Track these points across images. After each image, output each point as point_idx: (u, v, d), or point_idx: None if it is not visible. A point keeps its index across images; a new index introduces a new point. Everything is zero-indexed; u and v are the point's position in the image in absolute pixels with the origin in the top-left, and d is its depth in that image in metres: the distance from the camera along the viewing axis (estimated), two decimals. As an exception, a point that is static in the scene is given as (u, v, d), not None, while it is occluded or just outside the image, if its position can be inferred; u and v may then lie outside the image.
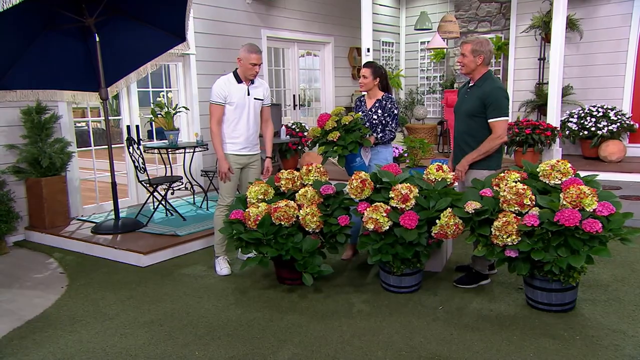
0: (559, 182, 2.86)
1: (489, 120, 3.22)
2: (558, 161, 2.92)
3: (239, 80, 3.64)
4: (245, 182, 3.77)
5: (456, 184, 3.41)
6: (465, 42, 3.32)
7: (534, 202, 2.81)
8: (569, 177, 2.86)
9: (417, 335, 2.73)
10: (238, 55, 3.59)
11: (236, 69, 3.66)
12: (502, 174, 3.05)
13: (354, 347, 2.62)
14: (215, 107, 3.63)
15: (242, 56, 3.56)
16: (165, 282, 3.63)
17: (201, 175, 5.86)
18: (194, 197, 5.70)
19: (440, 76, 9.19)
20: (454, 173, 3.27)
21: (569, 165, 2.90)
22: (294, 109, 7.89)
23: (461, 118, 3.37)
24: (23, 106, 4.60)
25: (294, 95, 7.86)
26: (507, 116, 3.25)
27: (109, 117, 4.83)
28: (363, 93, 3.99)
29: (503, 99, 3.21)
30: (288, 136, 6.51)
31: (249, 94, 3.65)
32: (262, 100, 3.77)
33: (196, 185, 5.69)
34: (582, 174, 2.98)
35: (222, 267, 3.74)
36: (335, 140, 3.57)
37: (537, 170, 2.97)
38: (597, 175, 3.03)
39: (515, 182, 2.91)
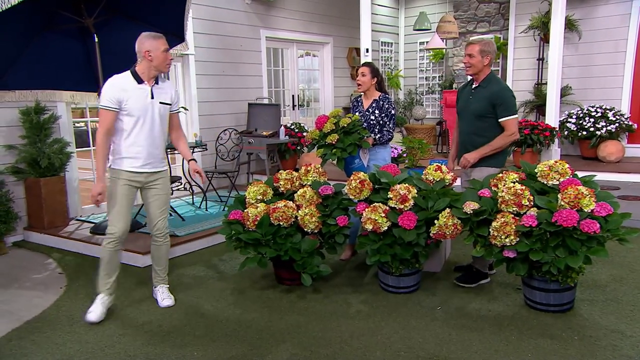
0: (557, 182, 2.87)
1: (500, 120, 3.26)
2: (556, 162, 2.92)
3: (140, 80, 2.93)
4: (150, 203, 3.11)
5: (456, 182, 3.42)
6: (472, 42, 3.33)
7: (532, 203, 2.81)
8: (567, 177, 2.87)
9: (416, 336, 2.73)
10: (143, 48, 2.88)
11: (134, 66, 2.95)
12: (501, 175, 3.06)
13: (352, 347, 2.63)
14: (106, 113, 2.87)
15: (150, 45, 2.88)
16: (164, 282, 3.63)
17: (200, 175, 5.86)
18: (192, 198, 5.70)
19: (439, 76, 9.21)
20: (457, 167, 3.28)
21: (567, 165, 2.91)
22: (293, 109, 7.89)
23: (468, 119, 3.38)
24: (22, 106, 4.60)
25: (293, 96, 7.87)
26: (517, 114, 3.32)
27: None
28: (360, 93, 3.99)
29: (511, 98, 3.29)
30: (287, 136, 6.51)
31: (152, 97, 2.95)
32: (169, 105, 3.08)
33: (195, 185, 5.69)
34: (581, 174, 2.99)
35: (94, 309, 2.98)
36: (334, 142, 3.57)
37: (535, 170, 2.98)
38: (595, 175, 3.03)
39: (514, 182, 2.92)
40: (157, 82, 3.00)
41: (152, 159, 3.03)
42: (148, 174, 3.04)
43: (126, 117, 2.91)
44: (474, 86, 3.40)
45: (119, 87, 2.88)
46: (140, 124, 2.94)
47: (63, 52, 4.49)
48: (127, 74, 2.94)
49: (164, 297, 3.25)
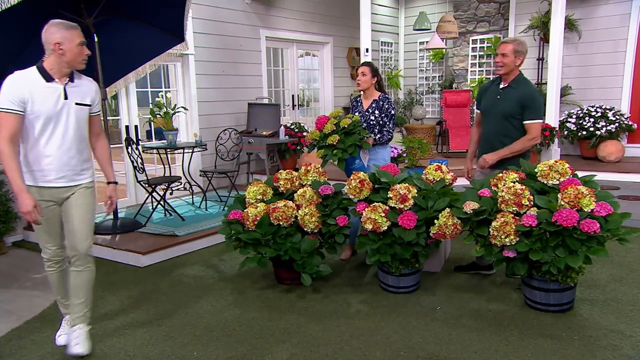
0: (557, 182, 2.86)
1: (525, 122, 3.25)
2: (556, 161, 2.92)
3: (49, 78, 2.43)
4: (68, 221, 2.58)
5: (456, 182, 3.41)
6: (505, 42, 3.32)
7: (532, 203, 2.81)
8: (567, 177, 2.87)
9: (416, 336, 2.73)
10: (52, 40, 2.38)
11: (41, 61, 2.45)
12: (501, 174, 3.06)
13: (352, 347, 2.63)
14: (6, 116, 2.33)
15: (61, 37, 2.38)
16: (164, 282, 3.63)
17: (200, 175, 5.86)
18: (192, 197, 5.70)
19: (439, 76, 9.20)
20: (474, 166, 3.34)
21: (567, 165, 2.91)
22: (293, 109, 7.89)
23: (495, 119, 3.35)
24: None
25: (292, 96, 7.87)
26: (542, 119, 3.32)
27: (108, 118, 4.82)
28: (359, 93, 3.98)
29: (541, 101, 3.30)
30: (287, 136, 6.51)
31: (66, 98, 2.46)
32: (89, 106, 2.58)
33: (195, 185, 5.69)
34: (581, 174, 2.99)
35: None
36: (334, 143, 3.56)
37: (536, 170, 2.98)
38: (595, 175, 3.03)
39: (514, 182, 2.92)
40: (71, 80, 2.50)
41: (67, 171, 2.53)
42: (64, 188, 2.55)
43: (32, 122, 2.40)
44: (502, 86, 3.36)
45: (21, 85, 2.37)
46: (50, 130, 2.44)
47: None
48: (33, 69, 2.43)
49: (77, 341, 2.58)
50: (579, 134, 6.79)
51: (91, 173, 2.71)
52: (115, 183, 2.83)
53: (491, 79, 3.51)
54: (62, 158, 2.51)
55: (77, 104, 2.52)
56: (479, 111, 3.57)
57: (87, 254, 2.63)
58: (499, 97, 3.36)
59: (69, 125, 2.50)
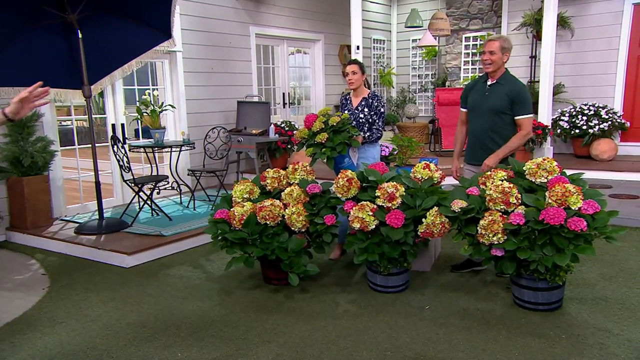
0: (545, 180, 2.85)
1: (517, 118, 3.29)
2: (544, 159, 2.91)
3: None
4: None
5: (444, 181, 3.39)
6: (492, 39, 3.32)
7: (520, 201, 2.80)
8: (555, 175, 2.85)
9: (403, 335, 2.70)
10: None
11: None
12: (489, 173, 3.04)
13: (338, 347, 2.59)
14: None
15: None
16: (150, 283, 3.57)
17: (188, 174, 5.80)
18: (180, 197, 5.63)
19: (432, 74, 9.18)
20: (461, 165, 3.34)
21: (555, 163, 2.89)
22: (284, 107, 7.84)
23: (484, 115, 3.37)
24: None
25: (283, 94, 7.81)
26: (532, 113, 3.35)
27: (94, 116, 4.74)
28: (349, 91, 3.95)
29: (529, 96, 3.34)
30: (277, 135, 6.46)
31: None
32: None
33: (183, 184, 5.62)
34: (573, 172, 2.98)
35: None
36: (323, 142, 3.53)
37: (524, 168, 2.96)
38: (584, 173, 3.02)
39: (502, 180, 2.90)
40: None
41: None
42: None
43: None
44: (489, 83, 3.37)
45: None
46: None
47: (46, 48, 4.41)
48: None
49: None
50: (572, 132, 6.76)
51: None
52: None
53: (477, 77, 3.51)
54: None
55: None
56: (464, 110, 3.58)
57: None
58: (487, 93, 3.36)
59: None
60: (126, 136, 5.56)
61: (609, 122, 6.63)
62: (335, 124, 3.58)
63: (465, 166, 3.59)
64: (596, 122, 6.63)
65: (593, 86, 7.12)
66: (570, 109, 6.92)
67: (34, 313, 3.11)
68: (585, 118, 6.71)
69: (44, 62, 4.43)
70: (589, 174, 3.04)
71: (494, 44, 3.27)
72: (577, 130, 6.72)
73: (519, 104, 3.26)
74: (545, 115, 6.21)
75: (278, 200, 3.30)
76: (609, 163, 6.46)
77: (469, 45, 8.29)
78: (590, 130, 6.62)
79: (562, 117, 6.88)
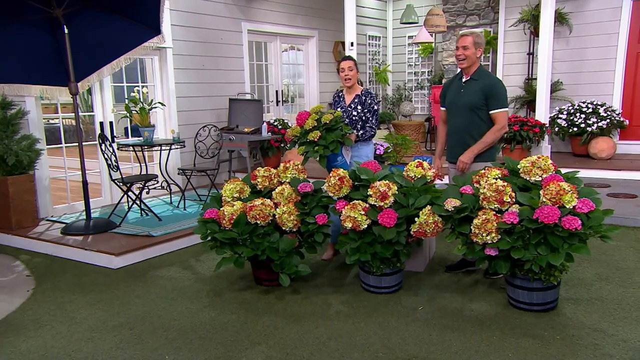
0: (540, 178, 2.81)
1: (491, 112, 3.27)
2: (539, 157, 2.87)
3: None
4: None
5: (438, 181, 3.35)
6: (465, 34, 3.30)
7: (514, 200, 2.75)
8: (550, 173, 2.82)
9: (395, 336, 2.65)
10: None
11: None
12: (483, 171, 3.00)
13: (329, 349, 2.54)
14: None
15: None
16: (138, 284, 3.50)
17: (178, 173, 5.71)
18: (170, 196, 5.54)
19: (428, 71, 9.10)
20: (444, 165, 3.25)
21: (550, 161, 2.86)
22: (277, 105, 7.76)
23: (461, 112, 3.35)
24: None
25: (276, 91, 7.73)
26: (507, 107, 3.34)
27: (81, 113, 4.65)
28: (342, 88, 3.89)
29: (504, 90, 3.31)
30: (270, 133, 6.39)
31: None
32: None
33: (173, 184, 5.53)
34: (570, 171, 2.94)
35: None
36: (316, 140, 3.47)
37: (518, 167, 2.92)
38: (579, 171, 2.99)
39: (496, 179, 2.86)
40: None
41: None
42: None
43: None
44: (464, 80, 3.36)
45: None
46: None
47: (32, 44, 4.31)
48: None
49: None
50: (570, 130, 6.65)
51: None
52: None
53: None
54: None
55: None
56: (443, 109, 3.56)
57: None
58: (462, 90, 3.35)
59: None
60: (115, 134, 5.47)
61: (608, 120, 6.52)
62: (328, 121, 3.52)
63: (449, 165, 3.56)
64: (594, 120, 6.52)
65: (591, 83, 7.02)
66: (569, 106, 6.82)
67: (17, 316, 3.03)
68: (583, 116, 6.61)
69: (29, 59, 4.33)
70: (587, 173, 3.00)
71: (467, 39, 3.25)
72: (575, 129, 6.62)
73: (493, 98, 3.24)
74: (542, 113, 6.14)
75: (269, 200, 3.24)
76: (607, 161, 6.37)
77: (465, 42, 8.23)
78: (589, 129, 6.51)
79: (560, 115, 6.79)
